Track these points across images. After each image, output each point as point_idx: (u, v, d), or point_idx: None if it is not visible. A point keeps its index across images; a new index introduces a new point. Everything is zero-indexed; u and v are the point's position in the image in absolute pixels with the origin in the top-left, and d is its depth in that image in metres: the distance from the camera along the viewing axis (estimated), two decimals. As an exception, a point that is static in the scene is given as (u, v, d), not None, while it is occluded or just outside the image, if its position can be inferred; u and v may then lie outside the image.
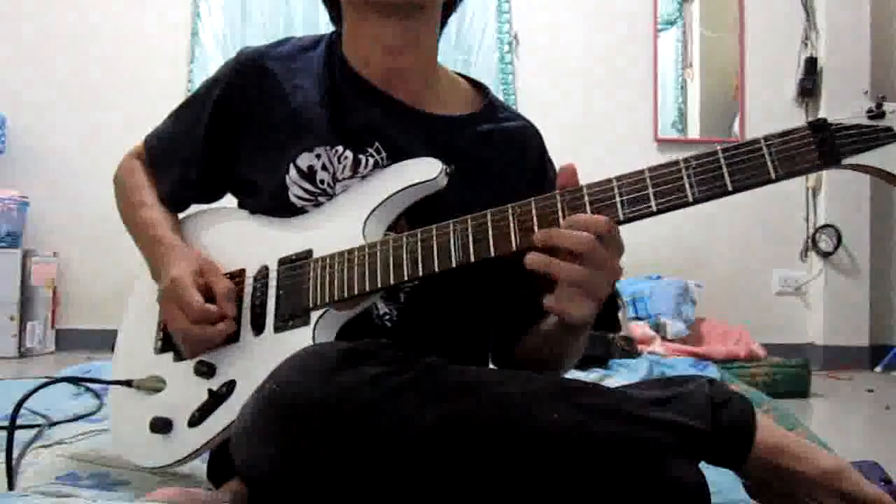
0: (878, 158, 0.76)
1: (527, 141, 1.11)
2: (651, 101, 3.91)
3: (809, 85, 3.81)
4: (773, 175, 0.77)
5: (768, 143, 0.78)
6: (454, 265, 0.87)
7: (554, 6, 3.94)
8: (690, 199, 0.80)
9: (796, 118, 3.84)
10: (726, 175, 0.78)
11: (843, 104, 3.66)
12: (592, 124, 3.84)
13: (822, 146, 0.76)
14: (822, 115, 0.80)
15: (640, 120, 3.89)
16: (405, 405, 0.78)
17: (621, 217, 0.82)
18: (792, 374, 2.81)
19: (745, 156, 0.78)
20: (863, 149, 0.76)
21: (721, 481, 1.02)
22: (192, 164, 1.10)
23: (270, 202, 1.04)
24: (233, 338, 0.99)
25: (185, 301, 0.96)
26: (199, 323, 0.96)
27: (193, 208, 1.17)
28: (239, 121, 1.06)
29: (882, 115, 0.76)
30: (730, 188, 0.78)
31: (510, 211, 0.86)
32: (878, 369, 3.59)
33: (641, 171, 0.82)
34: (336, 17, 1.10)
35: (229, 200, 1.15)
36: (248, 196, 1.10)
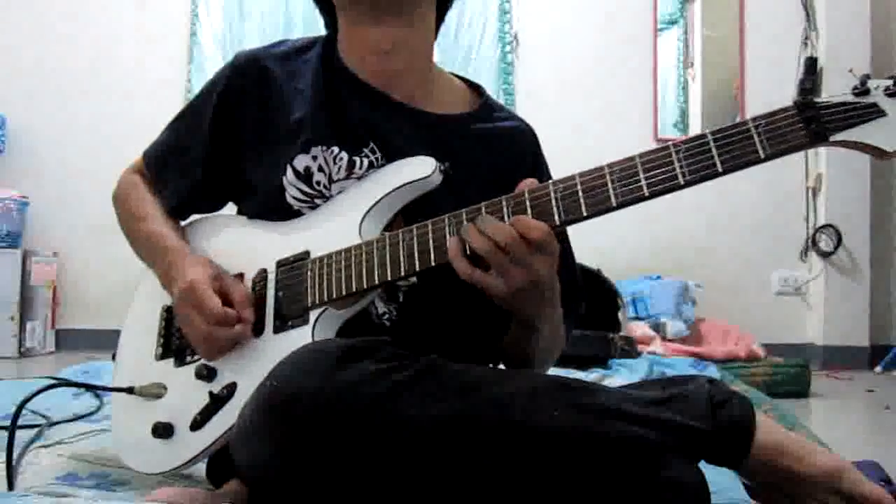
0: (865, 134, 0.78)
1: (521, 141, 1.12)
2: (651, 100, 3.91)
3: (809, 85, 3.80)
4: (761, 154, 0.78)
5: (756, 123, 0.79)
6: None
7: (554, 6, 3.94)
8: (681, 181, 0.80)
9: (796, 118, 3.83)
10: (716, 155, 0.79)
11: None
12: (592, 123, 3.84)
13: (809, 124, 0.78)
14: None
15: (639, 119, 3.89)
16: (405, 403, 0.78)
17: (614, 203, 0.82)
18: (792, 374, 2.80)
19: (734, 136, 0.79)
20: (849, 125, 0.78)
21: (721, 481, 1.02)
22: (196, 171, 1.10)
23: (267, 204, 1.04)
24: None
25: (203, 304, 0.96)
26: (219, 326, 0.96)
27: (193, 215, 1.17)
28: (238, 124, 1.07)
29: (867, 91, 0.78)
30: (720, 169, 0.79)
31: (504, 203, 0.86)
32: (878, 369, 3.59)
33: (632, 157, 0.83)
34: (331, 21, 1.10)
35: (229, 209, 1.15)
36: (245, 199, 1.10)
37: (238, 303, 0.98)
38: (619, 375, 2.30)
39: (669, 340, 3.07)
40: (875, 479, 0.87)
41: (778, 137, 0.78)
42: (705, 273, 3.72)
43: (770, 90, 3.88)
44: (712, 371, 2.42)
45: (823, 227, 3.79)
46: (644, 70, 3.91)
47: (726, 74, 3.99)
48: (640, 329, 3.01)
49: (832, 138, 0.78)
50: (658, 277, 3.48)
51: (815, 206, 3.86)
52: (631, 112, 3.88)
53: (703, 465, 0.84)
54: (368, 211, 0.97)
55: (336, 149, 1.01)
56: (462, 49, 3.83)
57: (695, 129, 4.01)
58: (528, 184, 0.88)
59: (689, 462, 0.82)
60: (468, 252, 0.86)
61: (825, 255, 3.78)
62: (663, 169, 0.81)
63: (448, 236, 0.88)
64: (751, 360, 2.90)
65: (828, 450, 0.91)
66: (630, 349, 2.67)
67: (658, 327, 3.13)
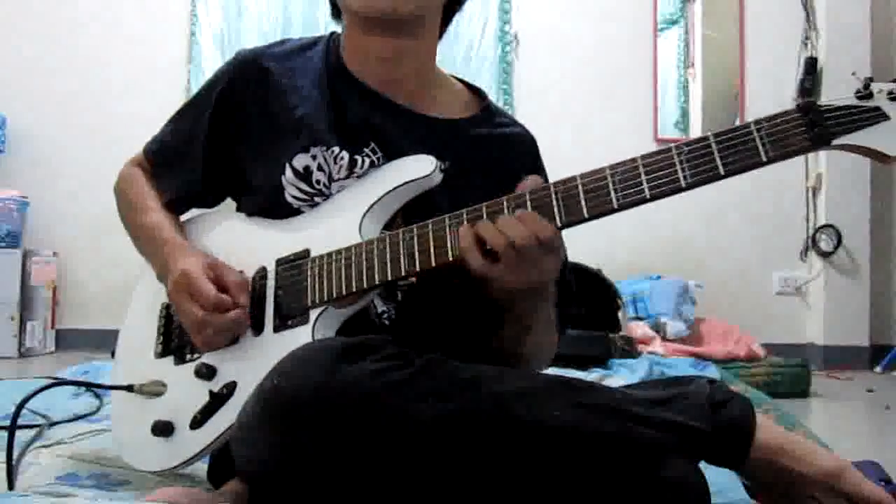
0: (868, 138, 0.77)
1: (521, 147, 1.12)
2: (651, 100, 3.91)
3: (809, 85, 3.80)
4: (763, 157, 0.78)
5: (758, 126, 0.79)
6: (451, 259, 0.88)
7: (554, 5, 3.94)
8: (683, 184, 0.80)
9: (796, 118, 3.83)
10: (718, 159, 0.79)
11: (843, 104, 3.63)
12: (592, 124, 3.84)
13: (811, 128, 0.77)
14: (821, 114, 0.80)
15: (639, 119, 3.88)
16: (405, 400, 0.78)
17: (615, 205, 0.82)
18: (792, 374, 2.80)
19: (736, 139, 0.79)
20: (852, 129, 0.77)
21: (721, 481, 1.02)
22: (195, 166, 1.10)
23: (266, 202, 1.04)
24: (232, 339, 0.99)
25: (197, 290, 0.96)
26: (214, 312, 0.96)
27: (192, 212, 1.17)
28: (238, 121, 1.07)
29: (870, 95, 0.78)
30: (721, 172, 0.79)
31: (505, 203, 0.87)
32: (878, 369, 3.59)
33: (634, 159, 0.83)
34: (338, 15, 1.10)
35: (227, 206, 1.15)
36: (245, 197, 1.11)
37: (233, 289, 0.98)
38: (619, 375, 2.30)
39: (669, 340, 3.07)
40: (875, 479, 0.87)
41: (780, 141, 0.78)
42: (705, 273, 3.72)
43: (770, 90, 3.88)
44: (712, 371, 2.42)
45: (823, 227, 3.79)
46: (644, 70, 3.91)
47: (726, 74, 3.99)
48: (640, 329, 3.01)
49: (835, 142, 0.77)
50: (658, 277, 3.47)
51: (815, 206, 3.86)
52: (631, 112, 3.88)
53: (703, 465, 0.84)
54: (369, 209, 0.97)
55: (336, 149, 1.01)
56: (462, 48, 3.83)
57: (695, 129, 4.00)
58: (531, 181, 0.88)
59: (689, 462, 0.83)
60: (481, 246, 0.85)
61: (825, 255, 3.78)
62: (665, 171, 0.81)
63: (449, 235, 0.88)
64: (751, 360, 2.90)
65: (828, 450, 0.91)
66: (630, 349, 2.67)
67: (658, 327, 3.12)
